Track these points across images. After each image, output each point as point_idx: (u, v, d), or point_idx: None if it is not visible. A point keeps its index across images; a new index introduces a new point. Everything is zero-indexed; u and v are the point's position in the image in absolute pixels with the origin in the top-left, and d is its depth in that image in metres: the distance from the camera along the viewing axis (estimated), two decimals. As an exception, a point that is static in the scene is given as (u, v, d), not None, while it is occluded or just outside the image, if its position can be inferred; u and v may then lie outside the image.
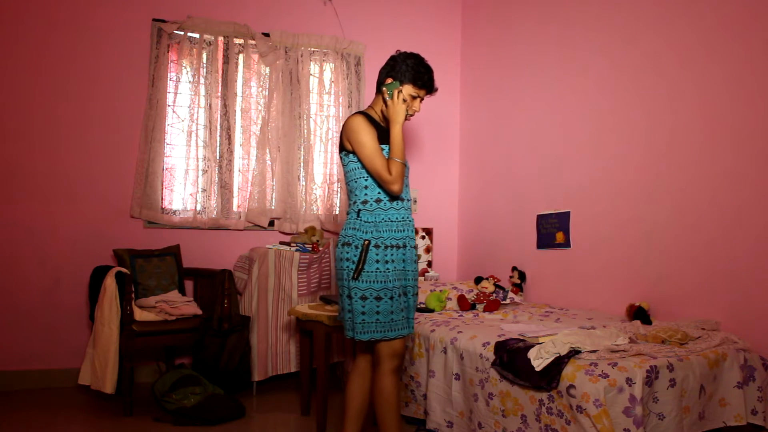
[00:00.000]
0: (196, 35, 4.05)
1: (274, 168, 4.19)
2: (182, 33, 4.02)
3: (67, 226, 3.79)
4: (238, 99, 4.18)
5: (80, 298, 3.79)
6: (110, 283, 3.26)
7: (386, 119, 2.45)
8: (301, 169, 4.29)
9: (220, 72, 4.11)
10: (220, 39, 4.12)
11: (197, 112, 4.03)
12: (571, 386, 2.20)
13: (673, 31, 3.14)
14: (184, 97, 4.04)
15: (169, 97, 4.00)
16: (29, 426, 3.08)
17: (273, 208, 4.20)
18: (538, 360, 2.36)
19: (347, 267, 2.34)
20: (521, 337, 2.66)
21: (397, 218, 2.39)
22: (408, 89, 2.42)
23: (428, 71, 2.45)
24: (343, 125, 2.43)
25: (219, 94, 4.09)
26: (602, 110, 3.55)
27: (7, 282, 3.68)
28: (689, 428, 2.32)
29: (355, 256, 2.32)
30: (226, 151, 4.10)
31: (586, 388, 2.16)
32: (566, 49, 3.81)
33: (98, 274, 3.46)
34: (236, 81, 4.14)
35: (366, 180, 2.38)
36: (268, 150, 4.17)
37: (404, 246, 2.40)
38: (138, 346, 3.27)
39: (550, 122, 3.92)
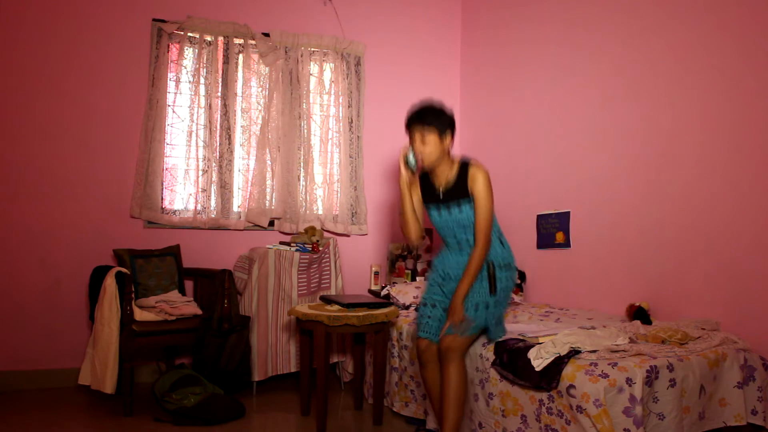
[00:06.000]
0: (196, 35, 4.05)
1: (274, 168, 4.19)
2: (182, 33, 4.02)
3: (67, 226, 3.79)
4: (238, 99, 4.18)
5: (80, 298, 3.79)
6: (110, 283, 3.25)
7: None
8: (301, 169, 4.29)
9: (220, 72, 4.11)
10: (220, 39, 4.12)
11: (197, 112, 4.03)
12: (571, 386, 2.20)
13: (673, 32, 3.14)
14: (184, 97, 4.04)
15: (169, 97, 4.00)
16: (29, 426, 3.07)
17: (273, 208, 4.20)
18: (538, 360, 2.36)
19: None
20: (521, 337, 2.66)
21: (442, 254, 2.82)
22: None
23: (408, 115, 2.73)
24: None
25: (219, 94, 4.09)
26: (602, 110, 3.55)
27: (7, 282, 3.68)
28: (689, 428, 2.32)
29: None
30: (226, 151, 4.09)
31: (586, 388, 2.16)
32: (566, 49, 3.81)
33: (98, 274, 3.46)
34: (236, 81, 4.14)
35: None
36: (268, 150, 4.16)
37: (439, 273, 2.79)
38: (138, 346, 3.27)
39: (550, 122, 3.92)
